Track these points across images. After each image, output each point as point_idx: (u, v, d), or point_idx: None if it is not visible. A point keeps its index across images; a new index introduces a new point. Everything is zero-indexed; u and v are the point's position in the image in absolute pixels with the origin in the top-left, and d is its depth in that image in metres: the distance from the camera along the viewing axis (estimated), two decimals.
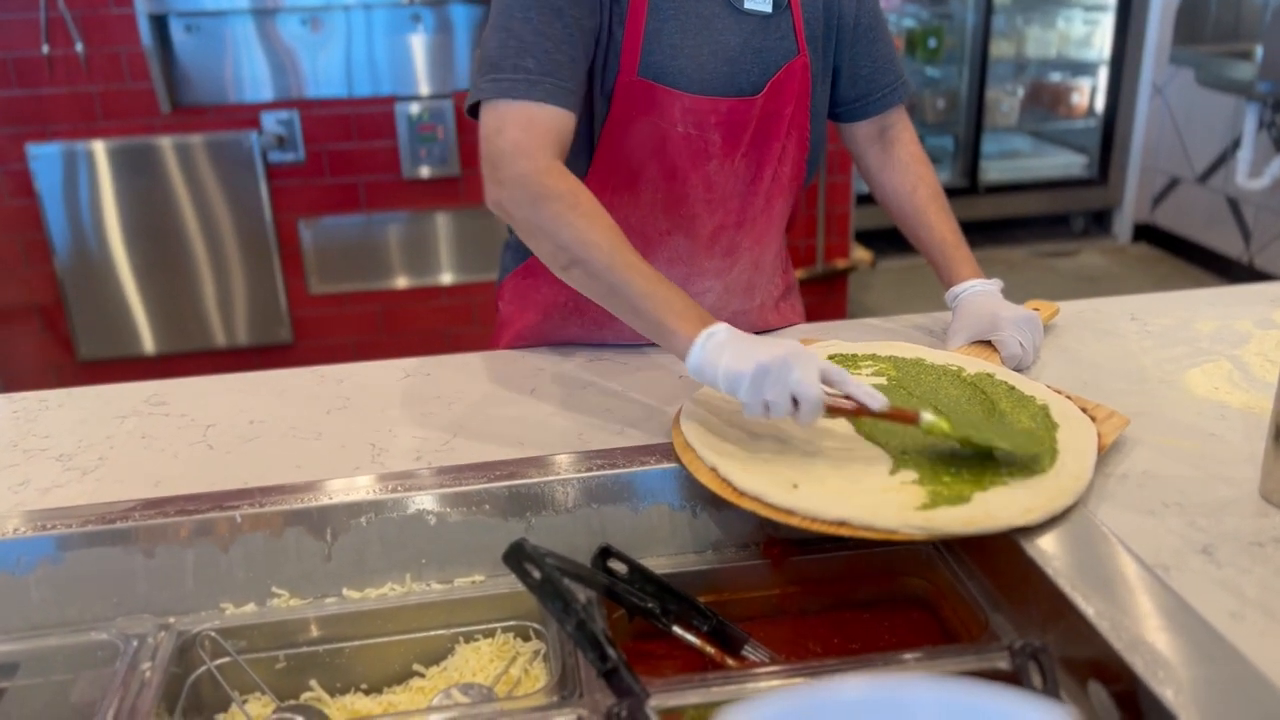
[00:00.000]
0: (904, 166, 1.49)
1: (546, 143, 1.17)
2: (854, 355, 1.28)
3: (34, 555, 1.00)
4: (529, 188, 1.15)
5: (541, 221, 1.15)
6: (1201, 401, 1.22)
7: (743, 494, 0.99)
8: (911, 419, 1.01)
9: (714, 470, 1.03)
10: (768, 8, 1.31)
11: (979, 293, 1.39)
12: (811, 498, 0.96)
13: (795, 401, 1.01)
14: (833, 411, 1.03)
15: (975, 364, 1.24)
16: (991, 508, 0.94)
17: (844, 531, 0.93)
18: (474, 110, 1.22)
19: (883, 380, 1.20)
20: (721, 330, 1.08)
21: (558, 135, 1.19)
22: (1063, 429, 1.08)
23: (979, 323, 1.34)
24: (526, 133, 1.17)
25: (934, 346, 1.32)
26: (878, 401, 1.02)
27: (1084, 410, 1.14)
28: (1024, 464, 1.00)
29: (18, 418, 1.27)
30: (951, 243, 1.44)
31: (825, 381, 1.02)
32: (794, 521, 0.95)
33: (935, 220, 1.46)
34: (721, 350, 1.05)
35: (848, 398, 1.03)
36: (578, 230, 1.14)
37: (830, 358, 1.26)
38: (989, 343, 1.33)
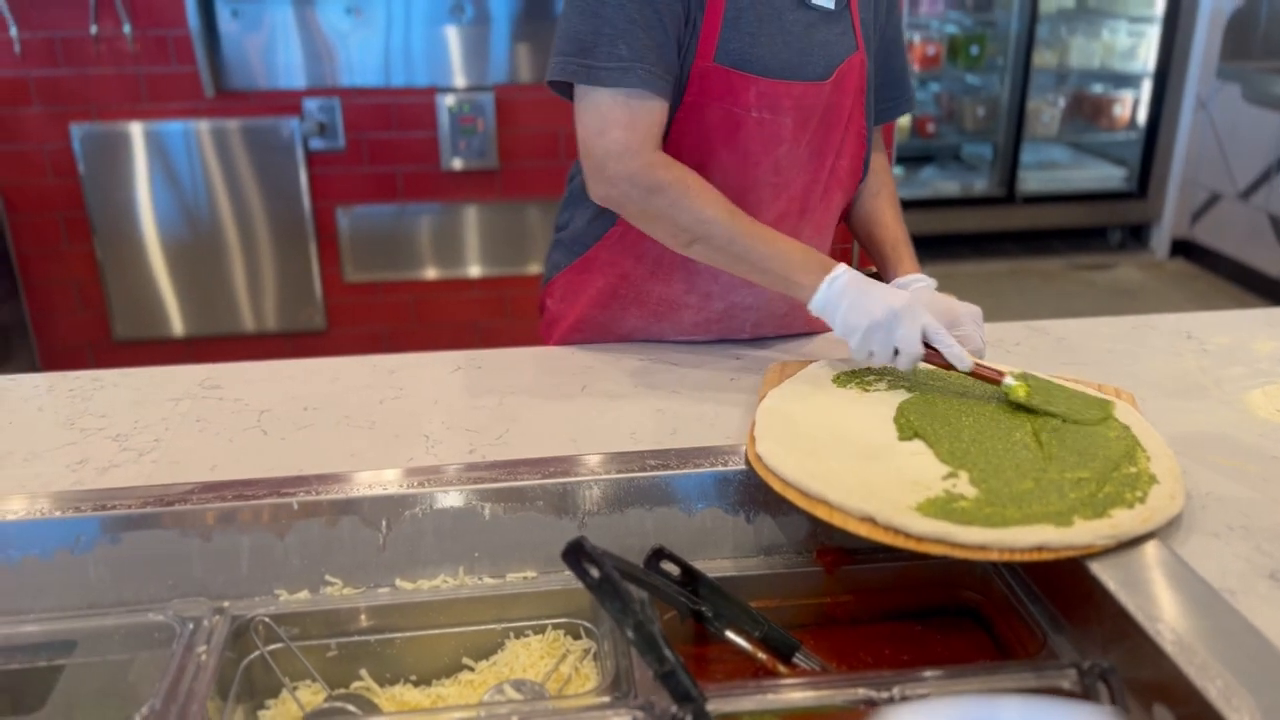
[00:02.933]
0: (873, 171, 1.54)
1: (649, 137, 1.24)
2: (856, 370, 1.26)
3: (93, 534, 1.00)
4: (640, 183, 1.23)
5: (658, 211, 1.25)
6: (1264, 424, 1.20)
7: (923, 539, 0.93)
8: (996, 379, 1.16)
9: (871, 520, 0.96)
10: (830, 4, 1.32)
11: (925, 288, 1.41)
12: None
13: (895, 351, 1.17)
14: (928, 362, 1.19)
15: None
16: (1147, 503, 0.96)
17: (1044, 556, 0.91)
18: (556, 86, 1.28)
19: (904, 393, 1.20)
20: (841, 276, 1.21)
21: (658, 126, 1.25)
22: (1146, 447, 1.09)
23: (939, 319, 1.35)
24: (629, 131, 1.23)
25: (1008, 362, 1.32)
26: (965, 364, 1.16)
27: (1100, 389, 1.20)
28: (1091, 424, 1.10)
29: (73, 396, 1.28)
30: (903, 240, 1.51)
31: (928, 340, 1.17)
32: (991, 556, 0.91)
33: (891, 221, 1.52)
34: (842, 296, 1.19)
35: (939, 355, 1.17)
36: (694, 212, 1.23)
37: (837, 377, 1.25)
38: None
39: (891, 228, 1.51)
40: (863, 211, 1.53)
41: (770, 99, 1.30)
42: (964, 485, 0.99)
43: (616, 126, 1.22)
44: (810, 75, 1.32)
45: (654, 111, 1.24)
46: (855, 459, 1.05)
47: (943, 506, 0.95)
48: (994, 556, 0.91)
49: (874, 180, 1.54)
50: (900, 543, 0.93)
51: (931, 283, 1.43)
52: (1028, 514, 0.94)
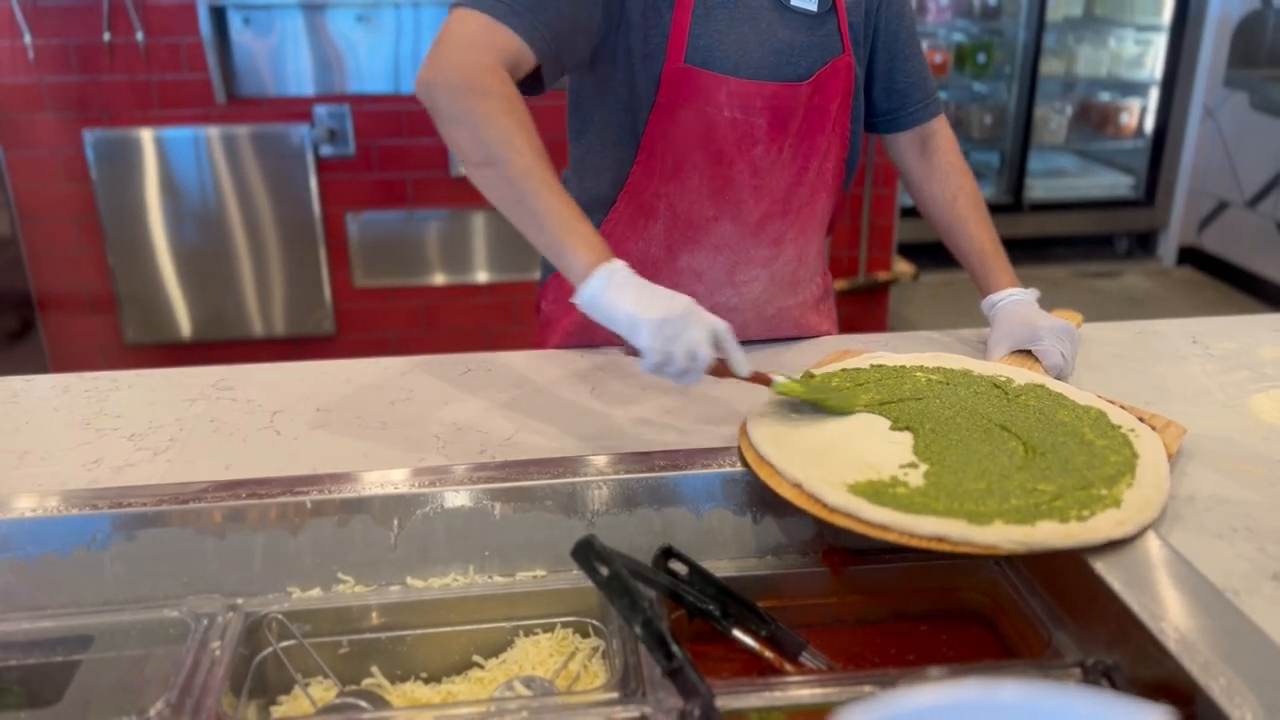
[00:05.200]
0: (944, 175, 1.51)
1: (500, 50, 1.16)
2: (901, 366, 1.27)
3: (109, 532, 1.02)
4: (468, 78, 1.14)
5: (468, 115, 1.14)
6: (1267, 428, 1.21)
7: (834, 510, 0.97)
8: (766, 381, 1.13)
9: (799, 486, 1.00)
10: (813, 6, 1.34)
11: (1017, 302, 1.41)
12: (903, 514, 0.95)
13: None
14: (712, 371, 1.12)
15: (1023, 374, 1.25)
16: (1086, 522, 0.94)
17: (942, 547, 0.92)
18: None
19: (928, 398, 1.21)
20: (622, 269, 1.09)
21: (515, 55, 1.18)
22: (1130, 439, 1.08)
23: (1018, 332, 1.36)
24: (484, 31, 1.16)
25: (982, 359, 1.33)
26: (744, 369, 1.11)
27: (1141, 419, 1.14)
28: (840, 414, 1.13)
29: (89, 396, 1.29)
30: (990, 252, 1.47)
31: (716, 343, 1.08)
32: (890, 537, 0.94)
33: (975, 230, 1.48)
34: (623, 290, 1.07)
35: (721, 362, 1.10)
36: (505, 132, 1.12)
37: (875, 367, 1.27)
38: (1028, 352, 1.35)
39: (977, 237, 1.47)
40: (943, 222, 1.51)
41: (742, 99, 1.31)
42: (915, 477, 1.01)
43: (475, 24, 1.16)
44: (786, 76, 1.33)
45: (519, 48, 1.17)
46: (831, 435, 1.09)
47: (876, 489, 0.98)
48: (893, 538, 0.93)
49: (948, 185, 1.50)
50: (817, 511, 0.97)
51: (1023, 296, 1.41)
52: (950, 509, 0.95)
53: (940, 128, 1.53)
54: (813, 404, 1.15)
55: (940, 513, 0.94)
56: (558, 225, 1.11)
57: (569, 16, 1.22)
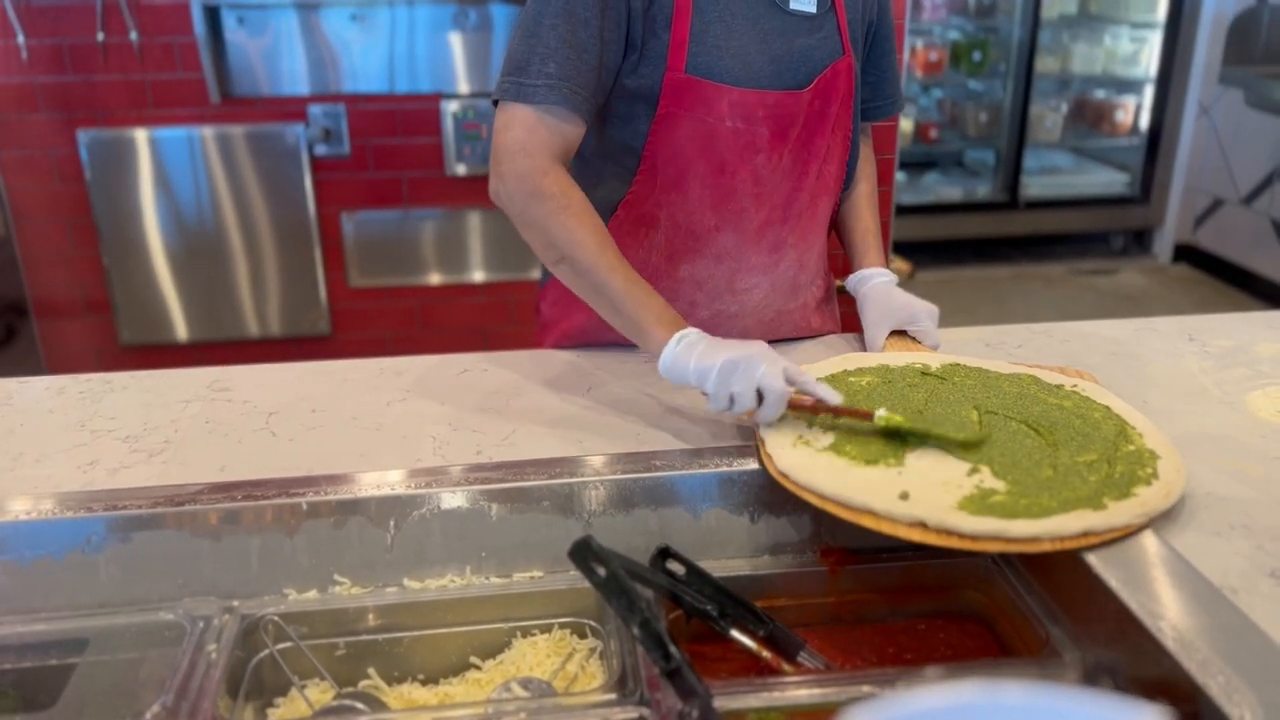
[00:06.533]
0: (859, 164, 1.55)
1: (548, 145, 1.24)
2: (831, 375, 1.24)
3: (104, 534, 1.02)
4: (526, 185, 1.23)
5: (535, 218, 1.23)
6: (1264, 425, 1.21)
7: (976, 538, 0.93)
8: (866, 415, 1.08)
9: (922, 524, 0.95)
10: (812, 8, 1.34)
11: (886, 283, 1.45)
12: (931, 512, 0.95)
13: (760, 396, 1.09)
14: (793, 408, 1.11)
15: (933, 357, 1.29)
16: (1110, 511, 0.95)
17: (1089, 541, 0.93)
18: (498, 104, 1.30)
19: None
20: (693, 333, 1.17)
21: (562, 138, 1.26)
22: (1132, 424, 1.12)
23: (897, 314, 1.40)
24: (529, 133, 1.24)
25: (985, 357, 1.33)
26: (835, 398, 1.10)
27: (1061, 372, 1.25)
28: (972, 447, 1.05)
29: (84, 398, 1.29)
30: (872, 232, 1.52)
31: (788, 380, 1.10)
32: (1042, 547, 0.93)
33: (866, 213, 1.54)
34: (692, 349, 1.14)
35: (807, 395, 1.11)
36: (568, 230, 1.22)
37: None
38: (900, 333, 1.40)
39: (864, 217, 1.53)
40: (843, 200, 1.55)
41: (743, 109, 1.31)
42: (990, 479, 1.00)
43: (520, 127, 1.23)
44: (787, 84, 1.33)
45: (562, 125, 1.24)
46: (880, 465, 1.04)
47: (980, 502, 0.96)
48: (1045, 547, 0.92)
49: (859, 171, 1.54)
50: (952, 543, 0.93)
51: (892, 278, 1.46)
52: (1063, 501, 0.96)
53: (872, 124, 1.58)
54: (920, 435, 1.07)
55: (1056, 509, 0.95)
56: (632, 307, 1.20)
57: (597, 68, 1.26)
